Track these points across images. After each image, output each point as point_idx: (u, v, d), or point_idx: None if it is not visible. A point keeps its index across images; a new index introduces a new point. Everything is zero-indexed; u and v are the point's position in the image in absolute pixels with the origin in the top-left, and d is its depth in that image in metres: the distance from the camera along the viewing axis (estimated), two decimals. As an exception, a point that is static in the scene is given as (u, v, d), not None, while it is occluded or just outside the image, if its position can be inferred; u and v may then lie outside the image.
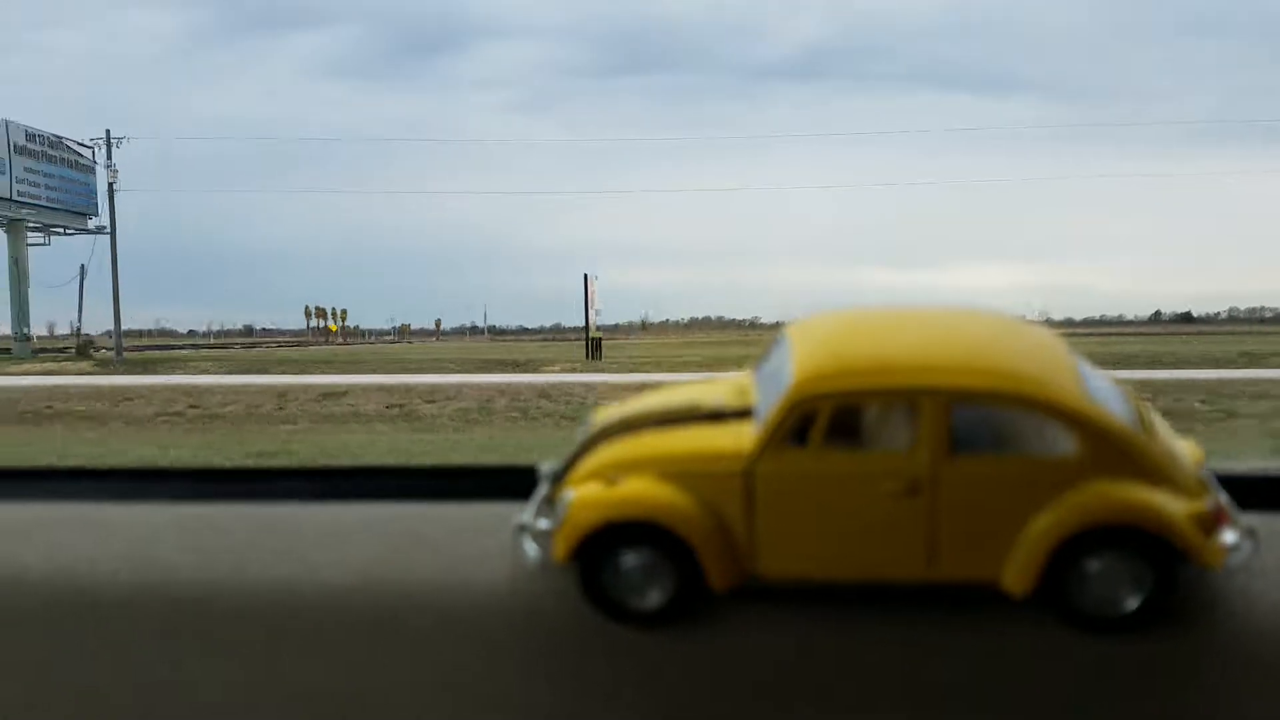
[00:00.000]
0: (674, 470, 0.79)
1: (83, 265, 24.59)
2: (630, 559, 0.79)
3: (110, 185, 24.25)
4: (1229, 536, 0.75)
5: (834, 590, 0.78)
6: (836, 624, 0.79)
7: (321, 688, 0.84)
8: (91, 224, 25.67)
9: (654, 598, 0.79)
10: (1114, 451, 0.74)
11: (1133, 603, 0.76)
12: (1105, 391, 0.78)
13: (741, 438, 0.78)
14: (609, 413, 0.88)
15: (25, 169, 24.01)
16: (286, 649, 0.84)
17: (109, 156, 24.33)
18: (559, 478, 0.84)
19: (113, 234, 24.04)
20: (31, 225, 24.47)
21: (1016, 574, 0.75)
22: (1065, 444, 0.75)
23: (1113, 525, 0.74)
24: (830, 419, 0.76)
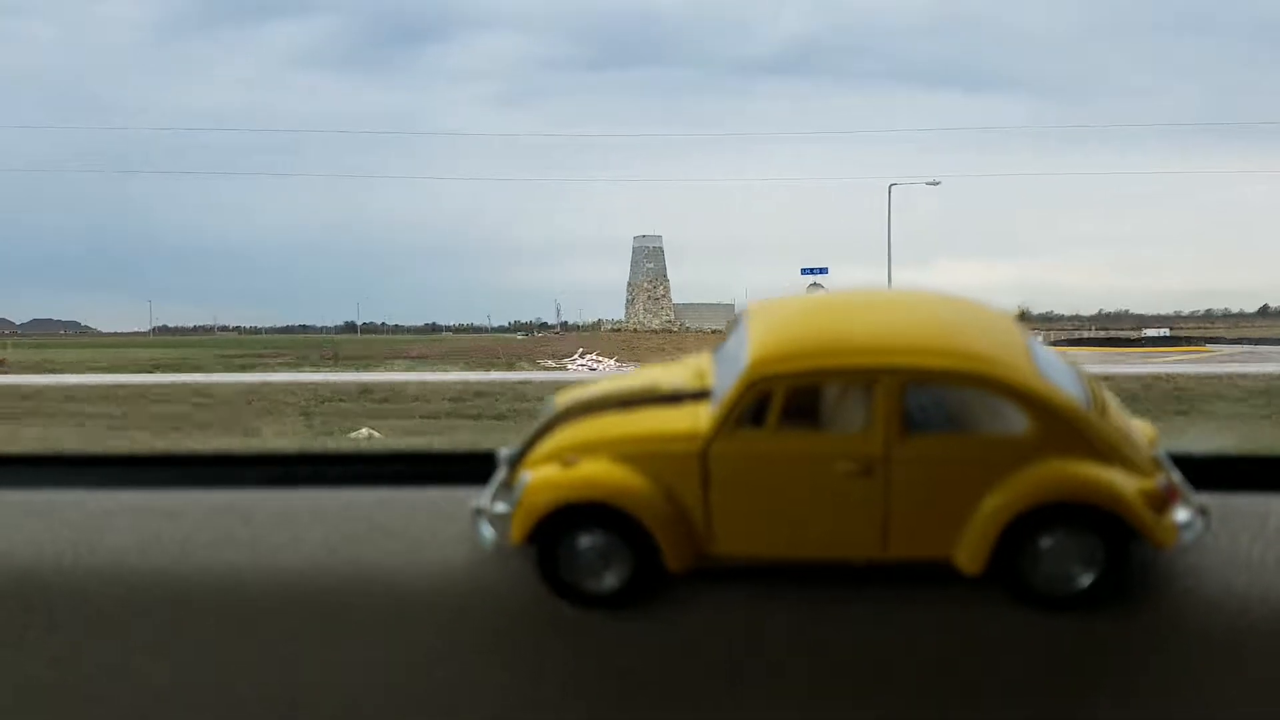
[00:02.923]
0: (630, 452, 0.79)
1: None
2: (586, 541, 0.78)
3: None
4: (1181, 514, 0.76)
5: (789, 570, 0.78)
6: (791, 604, 0.79)
7: (274, 673, 0.83)
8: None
9: (610, 579, 0.79)
10: (1066, 430, 0.75)
11: (1085, 580, 0.76)
12: (1058, 370, 0.78)
13: (698, 419, 0.78)
14: (568, 395, 0.87)
15: None
16: (237, 635, 0.83)
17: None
18: (517, 461, 0.83)
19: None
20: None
21: (969, 552, 0.75)
22: (1018, 423, 0.75)
23: (1064, 502, 0.75)
24: (786, 400, 0.76)
